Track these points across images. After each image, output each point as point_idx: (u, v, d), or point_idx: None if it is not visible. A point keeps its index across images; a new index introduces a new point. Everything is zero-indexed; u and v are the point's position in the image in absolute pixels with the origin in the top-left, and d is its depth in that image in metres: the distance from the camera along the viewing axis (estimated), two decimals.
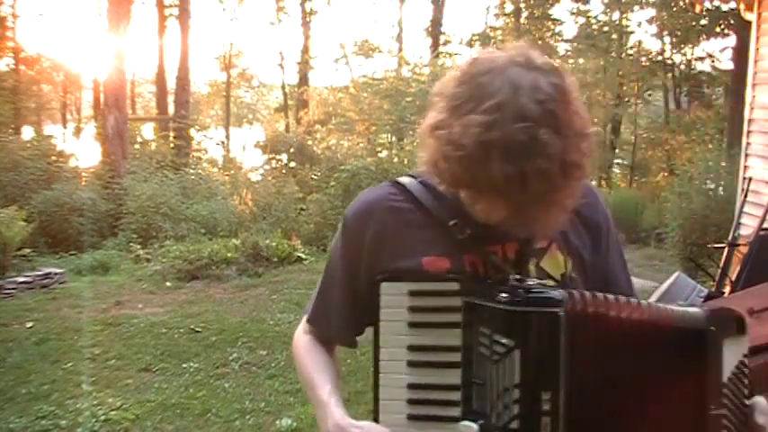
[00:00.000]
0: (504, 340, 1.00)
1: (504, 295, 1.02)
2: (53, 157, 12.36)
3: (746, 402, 1.16)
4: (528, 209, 1.03)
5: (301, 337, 1.38)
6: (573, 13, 21.35)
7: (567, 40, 22.24)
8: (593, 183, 20.19)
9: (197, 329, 5.92)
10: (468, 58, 1.08)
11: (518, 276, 1.10)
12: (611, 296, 1.06)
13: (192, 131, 18.92)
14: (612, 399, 1.05)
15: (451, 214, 1.17)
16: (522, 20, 22.11)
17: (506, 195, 1.00)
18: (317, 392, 1.24)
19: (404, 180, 1.25)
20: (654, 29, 20.23)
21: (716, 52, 19.54)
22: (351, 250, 1.26)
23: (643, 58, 20.59)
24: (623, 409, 1.06)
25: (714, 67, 19.72)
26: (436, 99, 1.08)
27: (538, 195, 0.99)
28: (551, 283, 1.20)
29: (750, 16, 6.53)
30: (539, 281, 1.14)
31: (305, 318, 1.39)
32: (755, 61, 6.48)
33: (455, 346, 1.09)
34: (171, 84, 19.39)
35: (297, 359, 1.36)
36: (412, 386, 1.13)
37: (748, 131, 6.56)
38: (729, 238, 6.13)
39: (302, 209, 12.04)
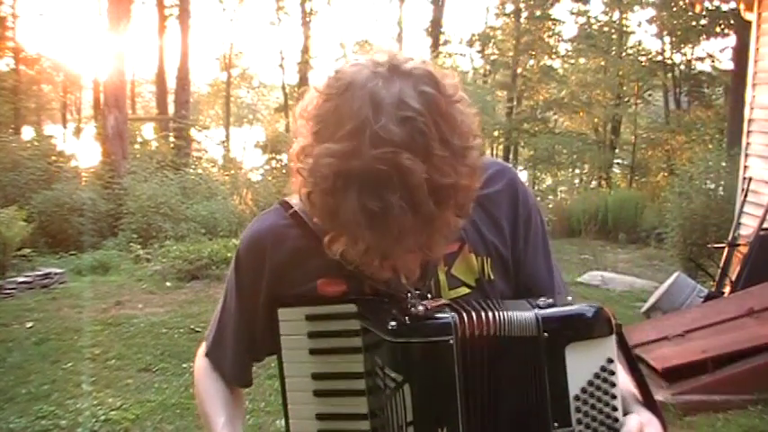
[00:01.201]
0: (392, 374, 0.93)
1: (392, 323, 0.93)
2: (53, 157, 12.35)
3: (615, 416, 0.97)
4: (395, 248, 0.88)
5: (200, 361, 1.28)
6: (573, 13, 21.39)
7: (567, 40, 22.26)
8: (593, 183, 20.23)
9: (197, 329, 5.91)
10: (332, 71, 0.95)
11: (414, 293, 1.00)
12: (495, 311, 0.96)
13: (192, 131, 18.92)
14: (508, 414, 0.96)
15: None
16: (522, 20, 22.11)
17: (362, 233, 0.87)
18: (211, 424, 1.15)
19: (294, 202, 1.12)
20: (654, 29, 20.26)
21: (716, 52, 19.60)
22: (246, 287, 1.17)
23: (643, 58, 20.60)
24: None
25: (714, 67, 19.75)
26: (300, 122, 0.95)
27: (405, 230, 0.86)
28: (465, 290, 1.08)
29: (750, 16, 6.53)
30: (457, 293, 1.05)
31: (204, 347, 1.29)
32: (755, 61, 6.48)
33: (358, 372, 1.03)
34: (171, 84, 19.40)
35: (195, 386, 1.27)
36: (321, 416, 1.07)
37: (748, 131, 6.57)
38: (729, 238, 6.14)
39: None
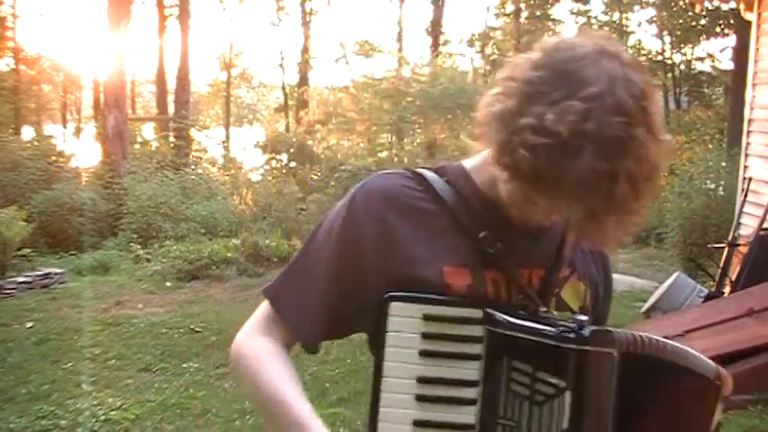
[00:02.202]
0: (552, 380, 0.91)
1: (549, 329, 0.93)
2: (53, 157, 12.36)
3: None
4: (602, 214, 0.91)
5: (254, 341, 1.11)
6: (573, 13, 21.40)
7: None
8: None
9: (197, 329, 5.91)
10: (545, 43, 0.97)
11: (545, 309, 1.01)
12: (653, 337, 0.99)
13: (192, 131, 18.93)
14: None
15: (481, 224, 1.04)
16: (522, 20, 22.11)
17: (586, 195, 0.89)
18: (292, 410, 1.01)
19: (428, 174, 1.10)
20: (654, 29, 20.29)
21: (716, 52, 19.65)
22: (353, 237, 1.07)
23: (643, 58, 20.60)
24: None
25: (714, 67, 19.78)
26: (503, 83, 0.96)
27: (620, 199, 0.89)
28: (569, 315, 1.07)
29: (750, 16, 6.53)
30: (565, 317, 1.04)
31: (263, 308, 1.14)
32: (755, 61, 6.48)
33: (471, 381, 0.99)
34: (171, 84, 19.40)
35: (250, 367, 1.09)
36: (419, 423, 0.99)
37: (748, 131, 6.56)
38: (729, 238, 6.13)
39: (302, 209, 12.04)
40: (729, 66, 17.18)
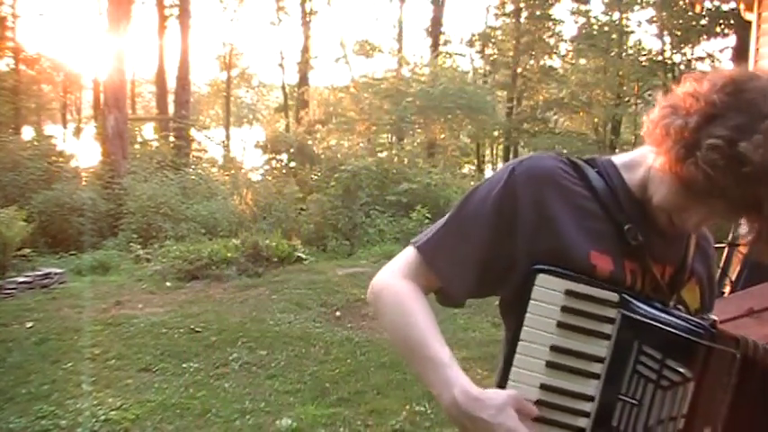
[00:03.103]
0: (681, 369, 1.00)
1: (683, 323, 1.02)
2: (53, 157, 12.37)
3: None
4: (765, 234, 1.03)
5: (401, 283, 1.19)
6: (573, 13, 21.39)
7: (567, 40, 22.26)
8: None
9: (197, 329, 5.91)
10: (740, 72, 1.05)
11: (677, 305, 1.11)
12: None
13: (192, 131, 18.93)
14: None
15: (626, 217, 1.13)
16: (522, 20, 22.11)
17: (757, 216, 1.01)
18: (435, 352, 1.09)
19: (581, 164, 1.18)
20: (654, 29, 20.27)
21: (716, 52, 19.60)
22: (510, 206, 1.14)
23: (643, 58, 20.60)
24: None
25: (714, 67, 19.72)
26: (685, 99, 1.04)
27: None
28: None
29: (750, 16, 6.53)
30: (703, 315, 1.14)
31: (410, 253, 1.22)
32: (755, 61, 6.48)
33: (599, 357, 1.07)
34: (171, 84, 19.41)
35: (395, 308, 1.17)
36: (545, 387, 1.08)
37: None
38: (729, 238, 6.13)
39: (302, 209, 12.04)
40: (729, 66, 17.16)
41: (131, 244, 9.60)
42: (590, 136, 21.58)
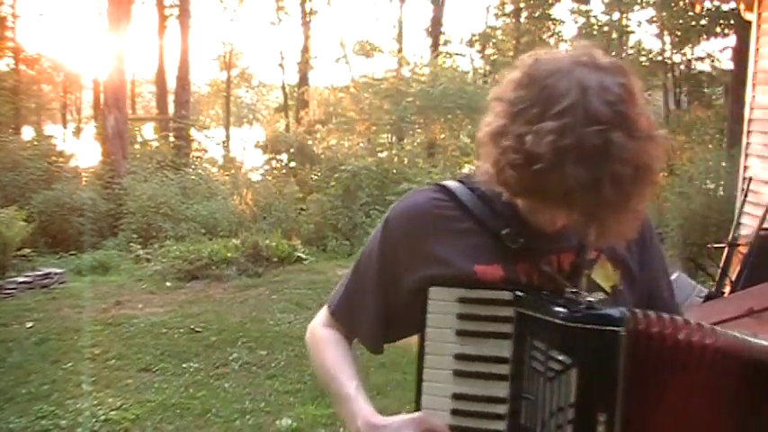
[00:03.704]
0: (560, 357, 0.97)
1: (561, 310, 0.99)
2: (53, 157, 12.37)
3: None
4: (599, 216, 0.97)
5: (321, 330, 1.32)
6: (573, 13, 21.41)
7: (567, 40, 22.27)
8: None
9: (197, 329, 5.92)
10: (527, 59, 1.02)
11: (574, 290, 1.06)
12: (678, 318, 1.01)
13: (192, 131, 18.92)
14: (673, 428, 1.01)
15: (504, 222, 1.13)
16: (522, 20, 22.12)
17: (577, 202, 0.95)
18: (342, 387, 1.19)
19: (451, 185, 1.20)
20: (654, 29, 20.29)
21: (716, 52, 19.62)
22: (390, 254, 1.21)
23: (643, 58, 20.60)
24: None
25: (714, 67, 19.76)
26: (494, 104, 1.02)
27: (610, 202, 0.94)
28: (601, 295, 1.15)
29: (750, 16, 6.52)
30: (595, 296, 1.09)
31: (327, 311, 1.33)
32: (755, 61, 6.48)
33: (503, 358, 1.06)
34: (171, 84, 19.40)
35: (316, 352, 1.31)
36: (457, 396, 1.09)
37: (748, 131, 6.56)
38: (729, 238, 6.13)
39: (302, 209, 12.04)
40: (729, 66, 17.18)
41: (131, 244, 9.60)
42: None
